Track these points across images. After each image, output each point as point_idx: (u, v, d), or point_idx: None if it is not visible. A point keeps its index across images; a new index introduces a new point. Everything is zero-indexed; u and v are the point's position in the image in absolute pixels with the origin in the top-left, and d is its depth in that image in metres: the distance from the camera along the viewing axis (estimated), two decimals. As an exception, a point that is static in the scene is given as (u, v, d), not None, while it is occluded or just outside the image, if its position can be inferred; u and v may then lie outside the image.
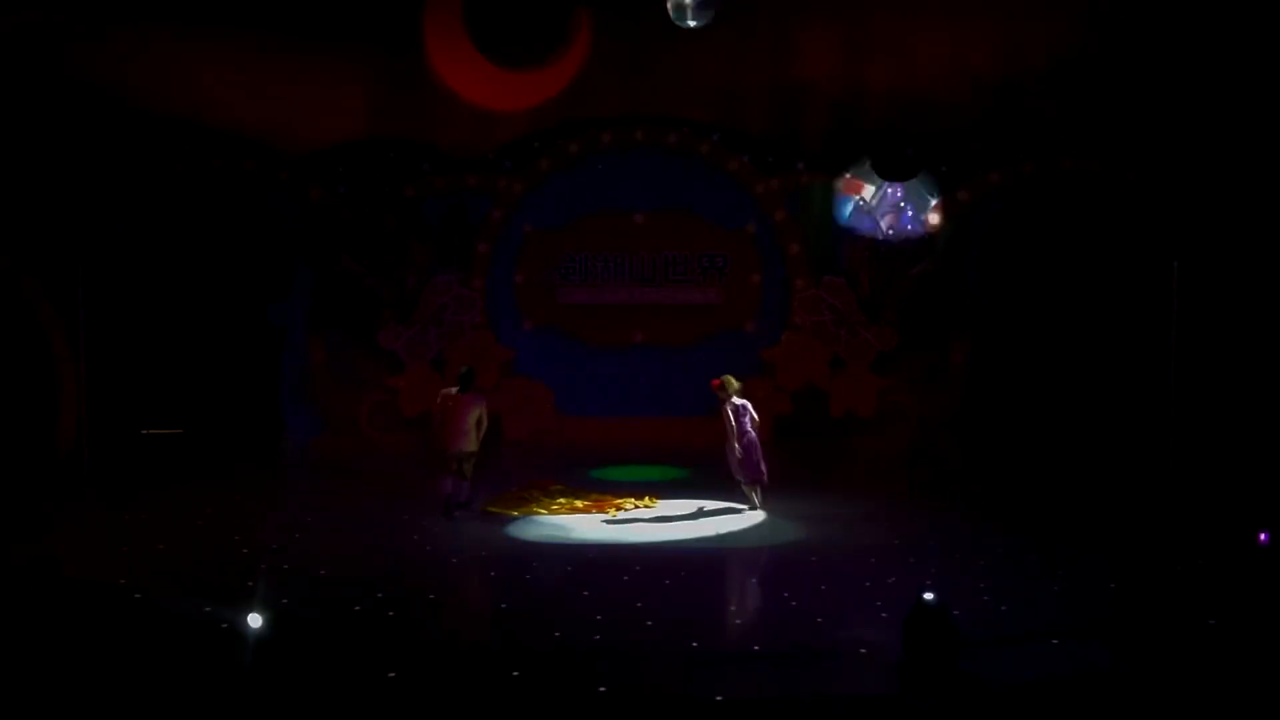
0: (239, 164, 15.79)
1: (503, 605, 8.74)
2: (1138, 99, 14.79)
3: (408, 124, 15.93)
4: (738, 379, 12.00)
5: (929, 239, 15.88)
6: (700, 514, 11.78)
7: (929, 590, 6.83)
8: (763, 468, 11.72)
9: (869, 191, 15.73)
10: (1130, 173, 15.30)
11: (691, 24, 10.33)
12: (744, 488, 11.85)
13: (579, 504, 12.09)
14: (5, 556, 9.40)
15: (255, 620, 7.61)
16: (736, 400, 11.79)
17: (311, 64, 14.81)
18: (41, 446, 13.82)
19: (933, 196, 15.56)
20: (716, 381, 11.92)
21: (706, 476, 13.14)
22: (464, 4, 14.98)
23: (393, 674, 6.77)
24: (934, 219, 15.58)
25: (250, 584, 8.73)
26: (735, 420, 11.68)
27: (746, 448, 11.68)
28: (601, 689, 6.59)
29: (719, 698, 6.49)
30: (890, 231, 15.63)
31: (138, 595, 8.48)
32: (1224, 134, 14.40)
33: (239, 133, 15.62)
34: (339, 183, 15.99)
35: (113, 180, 15.32)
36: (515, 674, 6.83)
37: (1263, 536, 9.96)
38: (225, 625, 7.66)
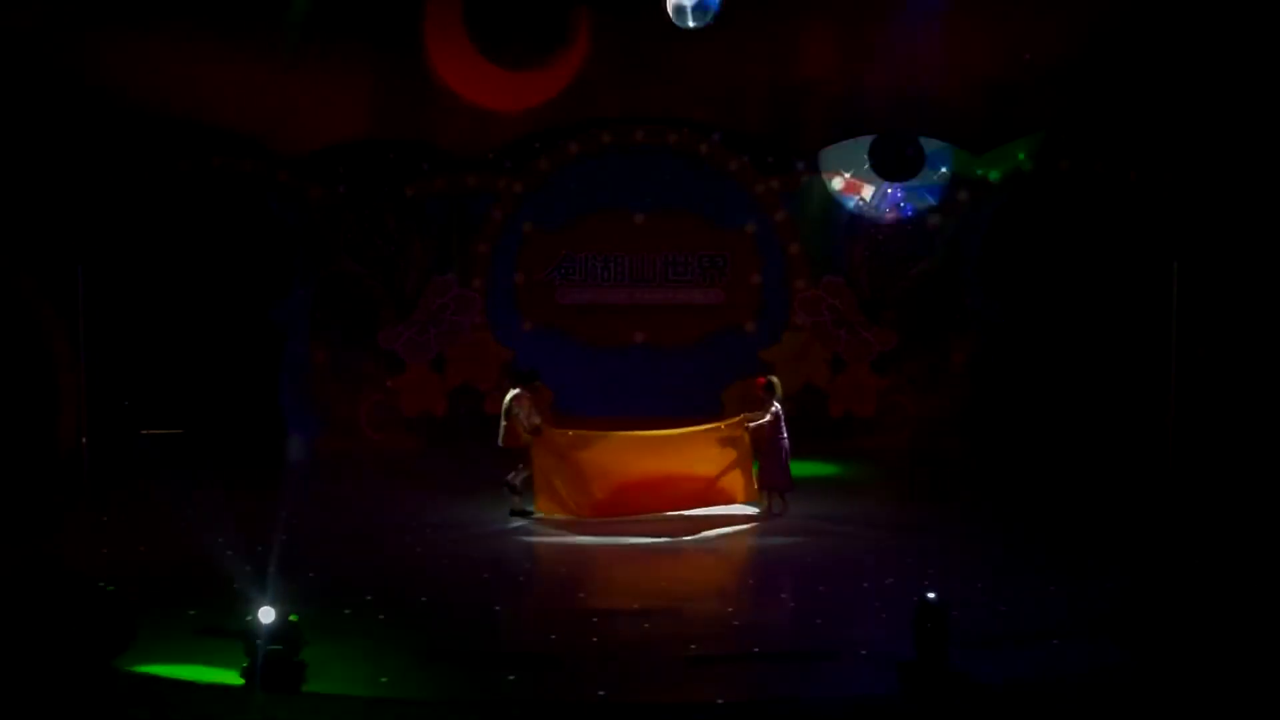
0: (239, 164, 15.78)
1: (497, 607, 8.73)
2: (1138, 99, 14.79)
3: (408, 124, 15.93)
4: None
5: (929, 239, 15.91)
6: (699, 514, 11.75)
7: (928, 591, 6.83)
8: (788, 473, 11.55)
9: (868, 191, 15.73)
10: (1131, 173, 15.29)
11: (691, 25, 10.36)
12: (767, 491, 11.59)
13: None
14: (5, 556, 9.40)
15: (253, 619, 7.59)
16: (778, 405, 11.53)
17: (311, 64, 14.82)
18: (41, 446, 13.81)
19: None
20: (763, 381, 11.62)
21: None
22: (464, 4, 14.99)
23: (384, 679, 6.76)
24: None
25: (248, 584, 8.71)
26: (779, 423, 11.43)
27: (783, 454, 11.46)
28: (600, 691, 6.59)
29: (719, 699, 6.49)
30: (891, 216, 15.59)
31: (137, 595, 8.47)
32: (1224, 134, 14.40)
33: (239, 133, 15.63)
34: (339, 183, 15.99)
35: (113, 180, 15.32)
36: (511, 677, 6.82)
37: None
38: (224, 625, 7.65)
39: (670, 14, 10.38)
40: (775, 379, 11.80)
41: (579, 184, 16.21)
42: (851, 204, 15.91)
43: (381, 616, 8.07)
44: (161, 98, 14.88)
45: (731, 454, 11.45)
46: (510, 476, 11.56)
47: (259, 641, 6.31)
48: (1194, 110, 14.49)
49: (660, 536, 10.70)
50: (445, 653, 7.28)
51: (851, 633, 7.55)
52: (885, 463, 14.64)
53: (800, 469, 14.11)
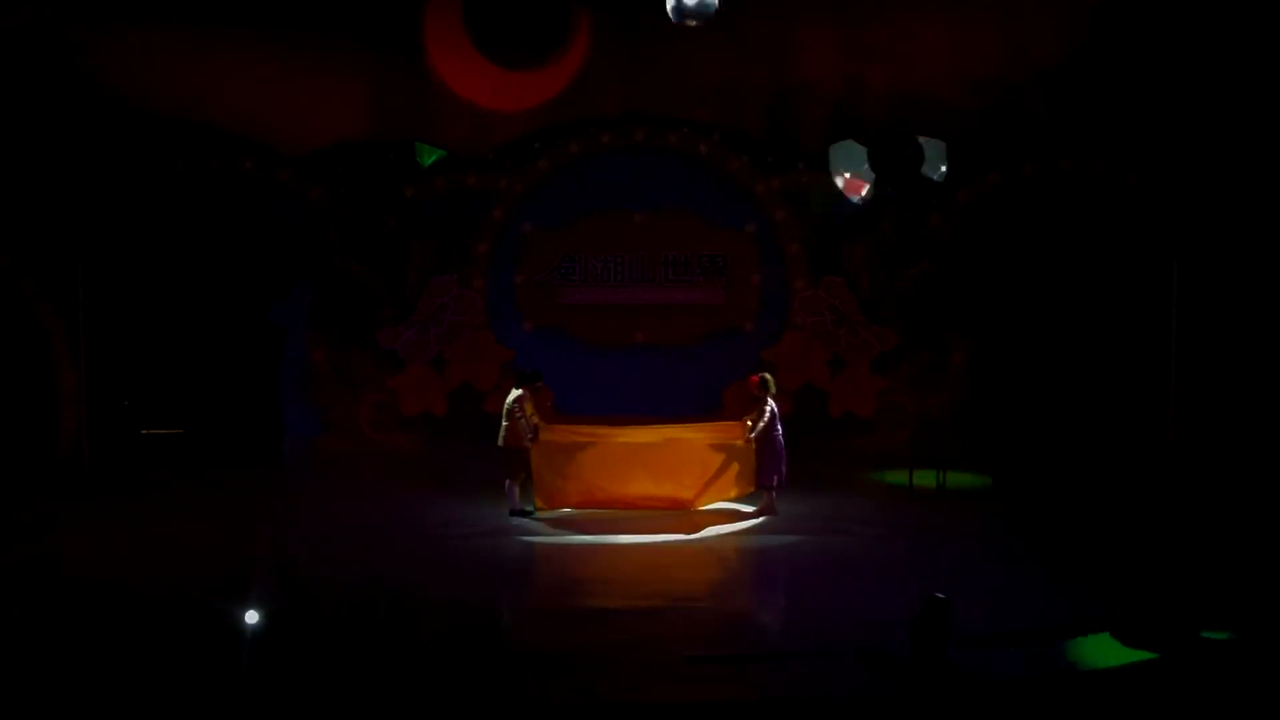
0: (239, 164, 15.78)
1: (497, 607, 8.73)
2: (1138, 100, 14.79)
3: (408, 124, 15.92)
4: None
5: (929, 239, 15.90)
6: (699, 513, 11.74)
7: (929, 590, 6.83)
8: (783, 470, 11.60)
9: (868, 190, 15.71)
10: (1131, 174, 15.29)
11: (691, 25, 10.36)
12: (760, 489, 11.64)
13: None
14: (5, 556, 9.40)
15: (254, 619, 7.60)
16: (773, 402, 11.62)
17: (312, 64, 14.83)
18: (41, 446, 13.82)
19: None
20: (756, 379, 11.71)
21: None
22: (464, 4, 15.00)
23: (393, 675, 6.76)
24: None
25: (249, 584, 8.72)
26: (775, 421, 11.53)
27: (779, 451, 11.54)
28: (601, 691, 6.59)
29: (719, 698, 6.50)
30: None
31: (137, 595, 8.48)
32: (1225, 135, 14.40)
33: (239, 133, 15.62)
34: (339, 183, 15.98)
35: (112, 180, 15.31)
36: (518, 675, 6.83)
37: None
38: (225, 625, 7.65)
39: (670, 14, 10.38)
40: (768, 376, 11.85)
41: (579, 184, 16.20)
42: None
43: (382, 617, 8.07)
44: (161, 97, 14.88)
45: (731, 454, 11.48)
46: (516, 479, 11.59)
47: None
48: (1195, 111, 14.49)
49: (660, 536, 10.70)
50: (446, 653, 7.29)
51: (851, 632, 7.55)
52: (885, 463, 14.65)
53: (801, 469, 14.12)
